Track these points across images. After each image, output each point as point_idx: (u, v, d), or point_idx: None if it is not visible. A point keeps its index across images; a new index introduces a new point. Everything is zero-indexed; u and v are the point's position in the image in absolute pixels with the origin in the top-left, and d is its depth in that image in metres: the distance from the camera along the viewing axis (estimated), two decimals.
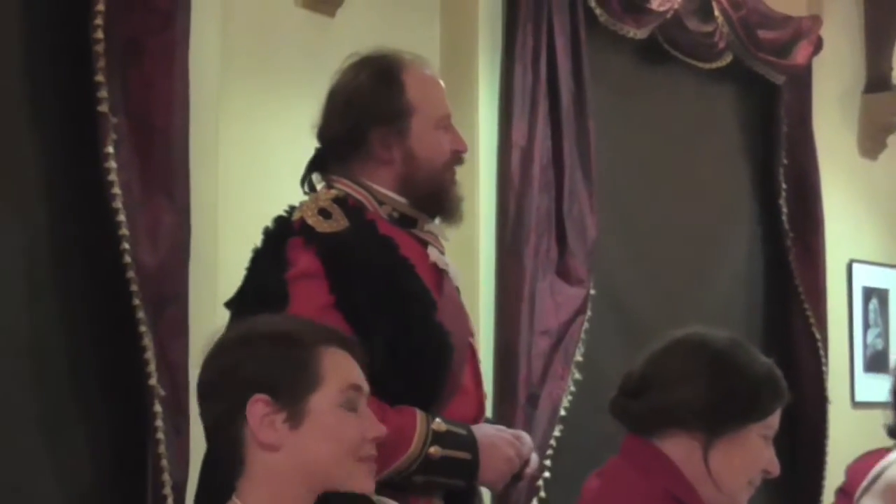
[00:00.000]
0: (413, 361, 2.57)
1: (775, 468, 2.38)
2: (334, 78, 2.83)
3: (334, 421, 1.98)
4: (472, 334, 2.85)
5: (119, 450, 3.14)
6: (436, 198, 2.75)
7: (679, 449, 2.33)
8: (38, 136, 3.09)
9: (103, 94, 3.05)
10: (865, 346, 6.15)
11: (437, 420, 2.60)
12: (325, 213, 2.62)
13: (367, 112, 2.70)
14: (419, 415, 2.57)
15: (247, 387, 1.96)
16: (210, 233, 3.37)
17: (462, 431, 2.64)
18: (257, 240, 3.69)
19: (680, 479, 2.32)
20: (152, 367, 3.06)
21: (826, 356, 5.67)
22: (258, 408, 1.95)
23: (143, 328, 3.05)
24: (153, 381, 3.06)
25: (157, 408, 3.06)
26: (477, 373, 2.84)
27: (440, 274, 2.75)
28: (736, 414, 2.33)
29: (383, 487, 2.31)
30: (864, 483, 3.21)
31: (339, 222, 2.61)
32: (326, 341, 2.02)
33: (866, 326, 6.21)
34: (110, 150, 3.04)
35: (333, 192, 2.69)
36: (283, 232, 2.65)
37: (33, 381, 3.04)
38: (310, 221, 2.60)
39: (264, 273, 2.63)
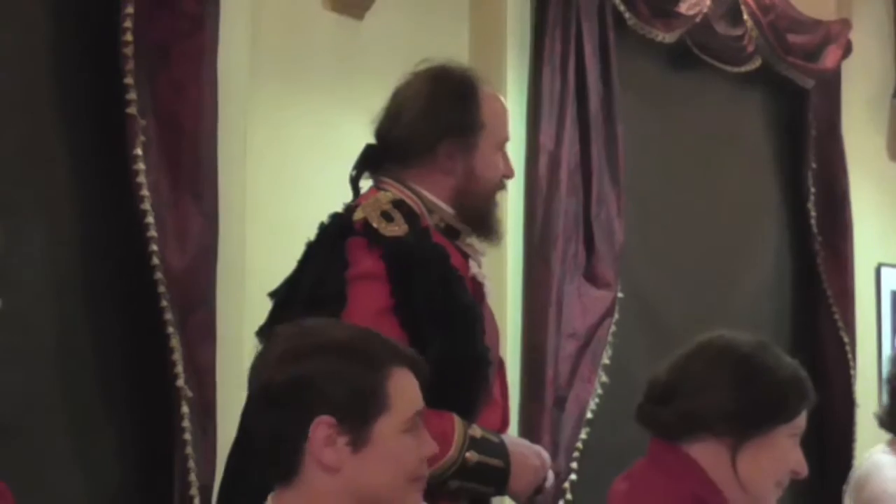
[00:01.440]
0: (459, 372, 2.59)
1: (803, 469, 2.37)
2: (404, 81, 2.87)
3: (397, 447, 1.97)
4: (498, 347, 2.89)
5: (146, 450, 3.13)
6: (483, 215, 2.81)
7: (707, 453, 2.32)
8: (68, 137, 3.09)
9: (132, 96, 3.05)
10: (894, 349, 6.11)
11: (473, 426, 2.64)
12: (387, 217, 2.64)
13: (442, 122, 2.73)
14: (457, 420, 2.60)
15: (317, 405, 1.93)
16: (238, 236, 3.37)
17: (495, 439, 2.68)
18: (285, 243, 3.70)
19: (707, 483, 2.31)
20: (180, 369, 3.05)
21: (854, 360, 5.64)
22: (322, 429, 1.93)
23: (170, 330, 3.04)
24: (181, 382, 3.05)
25: (185, 409, 3.05)
26: (504, 385, 2.89)
27: (478, 288, 2.79)
28: (764, 417, 2.32)
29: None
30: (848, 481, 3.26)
31: (401, 227, 2.63)
32: (397, 361, 2.00)
33: (895, 330, 6.17)
34: (139, 152, 3.04)
35: (390, 195, 2.70)
36: (342, 230, 2.65)
37: (62, 381, 3.04)
38: (374, 224, 2.62)
39: (322, 269, 2.63)
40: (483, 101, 2.79)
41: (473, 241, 2.84)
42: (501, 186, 2.87)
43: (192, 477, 3.05)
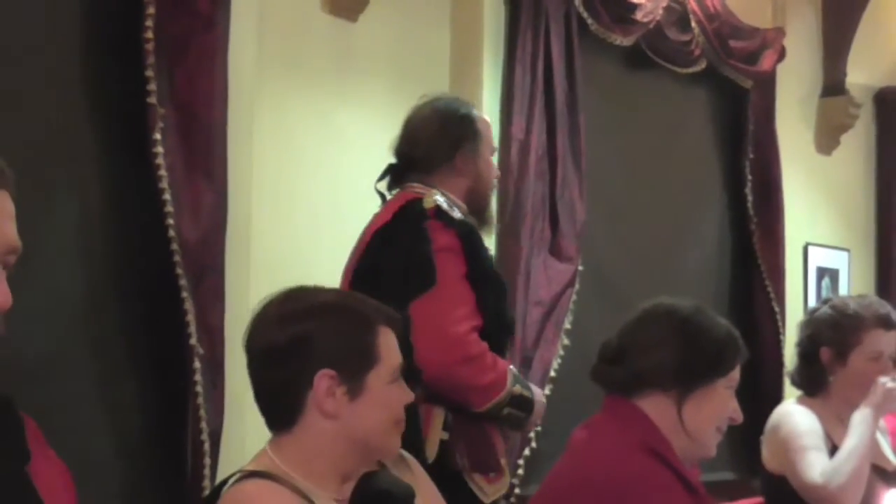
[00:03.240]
0: (494, 327, 2.94)
1: (739, 416, 2.40)
2: (412, 114, 3.22)
3: (385, 396, 1.99)
4: None
5: (163, 401, 3.12)
6: (485, 207, 3.16)
7: (655, 406, 2.33)
8: (95, 123, 3.07)
9: (152, 87, 3.03)
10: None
11: (513, 367, 3.04)
12: (449, 205, 2.97)
13: (456, 137, 3.09)
14: (509, 364, 3.00)
15: (316, 359, 1.94)
16: (244, 211, 3.35)
17: (521, 377, 3.07)
18: (287, 216, 3.71)
19: (655, 432, 2.32)
20: (192, 329, 3.04)
21: (784, 327, 5.64)
22: (325, 381, 1.94)
23: (184, 294, 3.03)
24: (193, 340, 3.05)
25: (196, 364, 3.04)
26: None
27: None
28: (704, 371, 2.34)
29: (477, 421, 2.89)
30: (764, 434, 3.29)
31: (458, 213, 2.97)
32: (381, 321, 2.01)
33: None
34: (158, 136, 3.03)
35: (435, 191, 3.00)
36: (420, 216, 2.93)
37: (89, 340, 3.03)
38: (443, 208, 2.93)
39: (410, 246, 2.91)
40: (476, 119, 3.16)
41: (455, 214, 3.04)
42: (494, 185, 3.22)
43: (203, 424, 3.05)
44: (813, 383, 3.26)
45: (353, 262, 3.12)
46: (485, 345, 2.90)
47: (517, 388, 2.97)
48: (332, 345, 1.94)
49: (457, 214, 2.96)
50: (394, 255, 2.93)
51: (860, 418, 3.10)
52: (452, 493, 2.54)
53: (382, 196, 3.18)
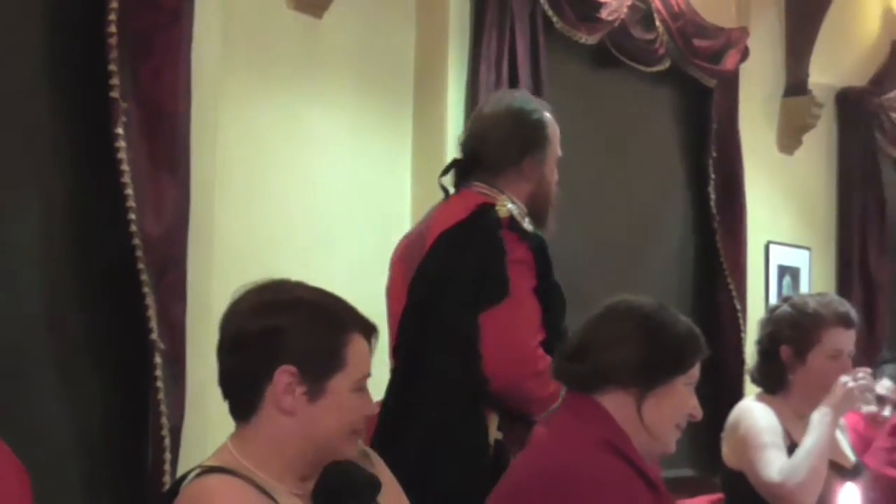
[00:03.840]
0: (557, 337, 2.84)
1: (699, 412, 2.40)
2: (487, 110, 3.16)
3: (345, 402, 1.97)
4: None
5: (124, 396, 3.11)
6: (545, 212, 3.10)
7: (615, 403, 2.33)
8: (59, 118, 3.06)
9: (115, 81, 3.01)
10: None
11: None
12: (521, 215, 2.97)
13: (526, 142, 3.05)
14: None
15: (281, 354, 1.92)
16: (208, 206, 3.34)
17: None
18: (250, 211, 3.71)
19: (616, 429, 2.32)
20: (154, 324, 3.03)
21: (745, 325, 5.67)
22: (285, 377, 1.93)
23: (146, 289, 3.02)
24: (154, 335, 3.03)
25: (158, 360, 3.03)
26: None
27: None
28: (664, 369, 2.34)
29: (518, 417, 2.82)
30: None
31: (529, 225, 2.97)
32: (355, 327, 1.99)
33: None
34: (120, 131, 3.01)
35: (505, 198, 2.98)
36: (494, 225, 2.89)
37: (52, 333, 3.02)
38: (517, 218, 2.93)
39: (487, 256, 2.87)
40: (548, 125, 3.11)
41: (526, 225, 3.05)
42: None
43: (164, 419, 3.03)
44: (773, 381, 3.27)
45: (412, 259, 3.02)
46: (549, 359, 2.83)
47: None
48: (300, 342, 1.93)
49: (527, 225, 2.96)
50: (466, 262, 2.88)
51: (819, 417, 3.11)
52: None
53: (445, 191, 3.13)
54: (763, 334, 3.33)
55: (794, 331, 3.24)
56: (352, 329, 1.98)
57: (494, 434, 2.89)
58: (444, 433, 2.82)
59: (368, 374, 2.01)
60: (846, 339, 3.25)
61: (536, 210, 3.09)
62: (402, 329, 2.96)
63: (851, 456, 3.32)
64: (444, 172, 3.14)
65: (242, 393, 1.96)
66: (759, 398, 3.28)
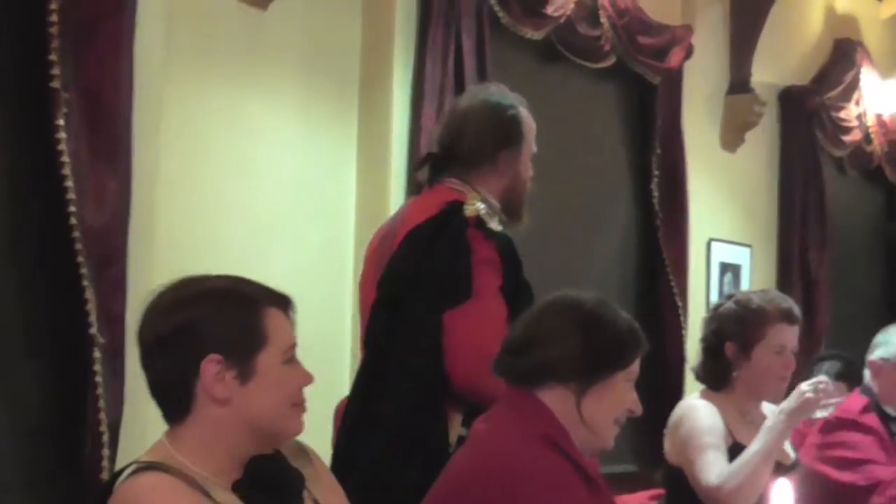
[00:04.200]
0: None
1: (638, 408, 2.42)
2: (463, 104, 3.14)
3: (277, 376, 1.96)
4: None
5: (63, 391, 3.08)
6: (519, 207, 3.13)
7: (555, 398, 2.35)
8: None
9: (56, 71, 2.98)
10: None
11: None
12: (488, 214, 2.97)
13: (502, 137, 3.05)
14: None
15: (202, 346, 1.91)
16: (149, 199, 3.32)
17: None
18: (193, 205, 3.68)
19: (555, 424, 2.34)
20: (93, 318, 3.00)
21: (686, 321, 5.71)
22: (212, 366, 1.91)
23: (85, 283, 2.99)
24: (94, 330, 3.01)
25: (97, 354, 3.01)
26: None
27: None
28: (604, 365, 2.36)
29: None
30: (667, 426, 3.31)
31: (497, 224, 2.99)
32: (268, 301, 1.98)
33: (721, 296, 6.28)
34: (61, 122, 2.99)
35: (477, 196, 2.98)
36: (461, 224, 2.90)
37: None
38: (484, 218, 2.94)
39: (452, 256, 2.87)
40: (522, 121, 3.11)
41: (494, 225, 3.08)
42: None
43: (102, 415, 3.02)
44: (717, 378, 3.29)
45: (383, 255, 3.00)
46: None
47: None
48: (216, 330, 1.92)
49: (496, 224, 2.98)
50: (432, 260, 2.88)
51: (772, 424, 3.12)
52: None
53: (419, 186, 3.16)
54: (708, 331, 3.35)
55: (738, 327, 3.26)
56: (264, 304, 1.97)
57: (458, 431, 2.88)
58: (405, 430, 2.82)
59: (294, 345, 2.00)
60: (790, 335, 3.28)
61: (510, 205, 3.11)
62: (370, 324, 2.95)
63: (791, 453, 3.36)
64: (419, 167, 3.17)
65: (174, 394, 1.95)
66: (704, 395, 3.30)
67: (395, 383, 2.83)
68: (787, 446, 3.35)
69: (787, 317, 3.27)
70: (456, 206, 2.94)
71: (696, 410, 3.23)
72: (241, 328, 1.94)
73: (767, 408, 3.38)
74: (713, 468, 3.10)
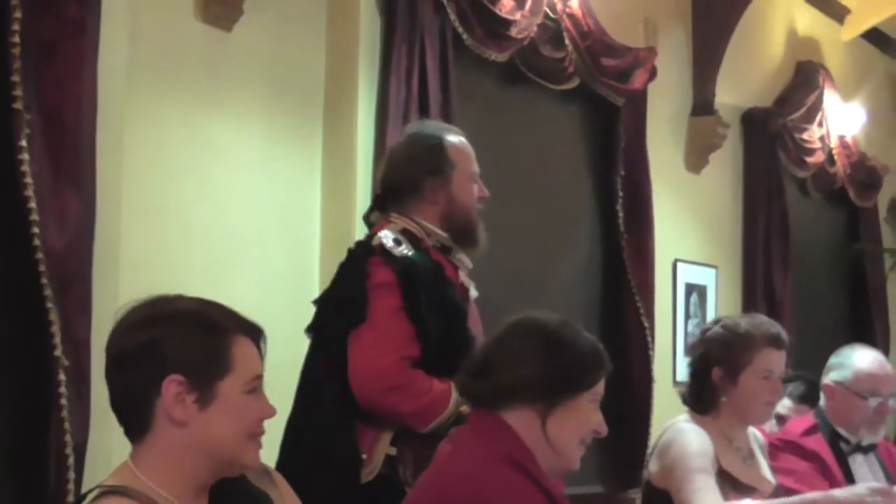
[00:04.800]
0: (450, 352, 3.01)
1: (603, 428, 2.42)
2: (394, 144, 3.39)
3: (238, 405, 1.96)
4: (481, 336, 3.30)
5: (26, 414, 3.06)
6: (466, 230, 3.26)
7: (520, 420, 2.35)
8: None
9: (18, 92, 2.99)
10: (686, 333, 6.26)
11: None
12: (397, 242, 3.09)
13: (422, 167, 3.21)
14: (454, 385, 2.98)
15: (165, 365, 1.91)
16: (113, 219, 3.32)
17: None
18: (157, 225, 3.68)
19: (519, 445, 2.34)
20: (57, 340, 3.00)
21: (653, 342, 5.75)
22: (173, 387, 1.92)
23: (49, 304, 2.99)
24: (58, 352, 3.00)
25: (62, 376, 3.00)
26: None
27: (465, 291, 3.26)
28: (568, 386, 2.36)
29: (428, 437, 2.93)
30: (650, 447, 3.28)
31: (406, 249, 3.08)
32: (238, 330, 1.99)
33: (687, 317, 6.32)
34: (23, 143, 2.99)
35: (399, 225, 3.16)
36: (365, 253, 3.10)
37: None
38: (388, 247, 3.06)
39: (351, 282, 3.08)
40: (449, 149, 3.24)
41: (462, 256, 3.28)
42: (478, 208, 3.31)
43: (68, 437, 3.01)
44: (704, 402, 3.27)
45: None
46: (414, 373, 3.02)
47: (465, 409, 2.98)
48: (181, 351, 1.92)
49: (403, 250, 3.08)
50: (338, 289, 3.14)
51: (812, 498, 3.15)
52: None
53: (370, 226, 3.31)
54: (695, 356, 3.32)
55: (725, 352, 3.24)
56: (234, 331, 1.98)
57: (386, 450, 3.04)
58: (317, 451, 2.99)
59: (259, 375, 2.01)
60: (778, 361, 3.26)
61: (456, 229, 3.24)
62: (307, 352, 3.17)
63: (772, 479, 3.34)
64: (369, 211, 3.34)
65: (133, 411, 1.95)
66: (692, 419, 3.26)
67: (312, 406, 3.06)
68: (768, 472, 3.35)
69: (775, 342, 3.25)
70: (367, 238, 3.16)
71: (687, 434, 3.19)
72: (206, 353, 1.94)
73: (752, 432, 3.39)
74: (708, 496, 3.05)
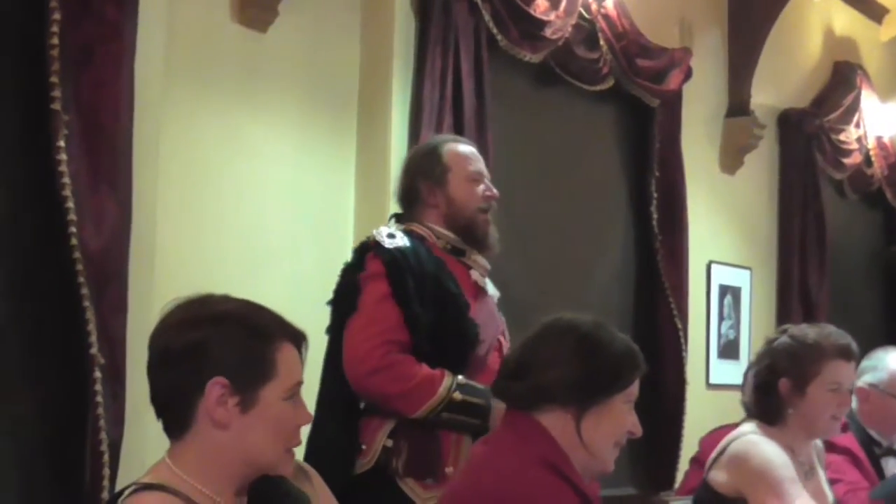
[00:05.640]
0: (448, 341, 3.17)
1: (638, 430, 2.42)
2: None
3: (278, 411, 1.98)
4: (502, 333, 3.42)
5: (63, 412, 3.09)
6: (470, 231, 3.36)
7: (554, 421, 2.36)
8: None
9: (57, 93, 3.01)
10: (720, 335, 6.25)
11: (461, 377, 3.16)
12: (391, 236, 3.23)
13: (417, 174, 3.38)
14: (447, 373, 3.14)
15: (210, 367, 1.93)
16: (149, 220, 3.35)
17: (480, 387, 3.17)
18: (192, 226, 3.73)
19: (554, 447, 2.35)
20: (94, 339, 3.02)
21: (686, 344, 5.73)
22: (216, 389, 1.93)
23: (86, 304, 3.01)
24: (94, 350, 3.03)
25: (97, 374, 3.03)
26: (502, 359, 3.23)
27: (478, 289, 3.35)
28: (602, 387, 2.37)
29: (424, 429, 3.11)
30: (713, 455, 3.24)
31: (400, 242, 3.22)
32: (283, 336, 2.00)
33: (721, 319, 6.30)
34: (62, 144, 3.01)
35: (403, 226, 3.34)
36: (364, 249, 3.24)
37: None
38: (379, 240, 3.21)
39: (348, 275, 3.24)
40: (443, 152, 3.38)
41: (476, 257, 3.38)
42: (484, 208, 3.38)
43: (103, 435, 3.03)
44: (771, 413, 3.21)
45: None
46: (400, 357, 3.10)
47: (458, 395, 3.13)
48: (227, 354, 1.94)
49: (396, 243, 3.21)
50: (337, 286, 3.28)
51: None
52: (388, 496, 3.08)
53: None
54: (761, 366, 3.25)
55: (793, 363, 3.18)
56: (280, 337, 2.00)
57: (382, 441, 3.14)
58: (311, 440, 3.10)
59: (300, 382, 2.03)
60: (847, 373, 3.20)
61: (461, 230, 3.35)
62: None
63: (830, 494, 3.30)
64: (392, 219, 3.47)
65: (175, 409, 1.97)
66: (760, 430, 3.20)
67: (321, 397, 3.17)
68: (826, 486, 3.31)
69: (844, 353, 3.19)
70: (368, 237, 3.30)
71: (763, 445, 3.13)
72: (252, 357, 1.96)
73: (815, 444, 3.34)
74: (804, 498, 3.02)
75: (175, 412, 1.97)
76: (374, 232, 3.27)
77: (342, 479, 3.00)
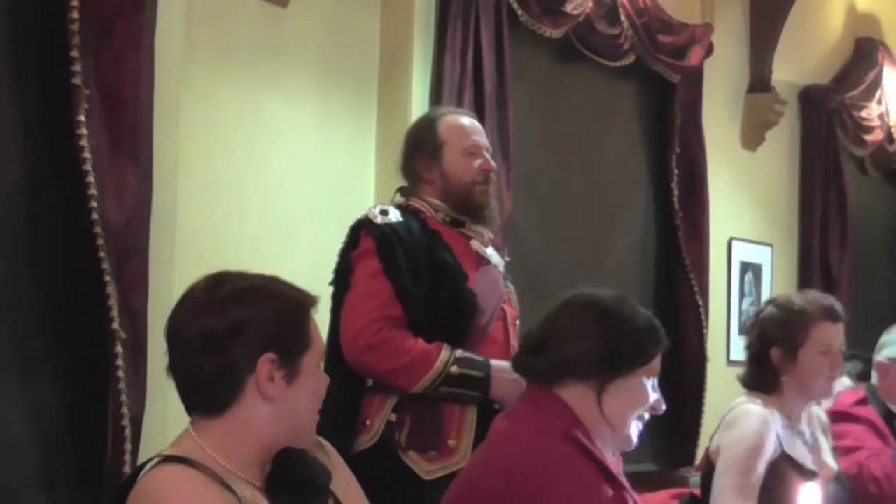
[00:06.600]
0: (445, 313, 3.15)
1: (661, 405, 2.41)
2: None
3: (315, 379, 2.02)
4: (506, 301, 3.38)
5: (85, 386, 3.10)
6: (467, 203, 3.32)
7: (576, 395, 2.35)
8: (17, 104, 3.04)
9: (77, 68, 3.01)
10: (741, 312, 6.23)
11: (459, 350, 3.15)
12: (384, 212, 3.22)
13: (412, 149, 3.38)
14: (445, 346, 3.13)
15: (258, 344, 1.94)
16: (170, 194, 3.34)
17: (479, 359, 3.16)
18: (213, 200, 3.72)
19: (575, 421, 2.33)
20: (115, 313, 3.02)
21: (707, 320, 5.71)
22: (267, 365, 1.94)
23: (107, 278, 3.01)
24: (115, 325, 3.02)
25: (119, 349, 3.03)
26: (506, 328, 3.33)
27: (479, 259, 3.31)
28: (624, 362, 2.36)
29: (428, 402, 3.10)
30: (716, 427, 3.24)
31: (392, 218, 3.20)
32: (310, 304, 2.03)
33: (742, 296, 6.28)
34: (82, 118, 3.01)
35: (396, 201, 3.33)
36: (357, 228, 3.24)
37: (8, 323, 2.99)
38: (371, 217, 3.21)
39: (343, 255, 3.25)
40: (439, 126, 3.35)
41: (478, 228, 3.35)
42: (480, 180, 3.33)
43: (125, 409, 3.03)
44: (766, 384, 3.21)
45: None
46: (394, 333, 3.10)
47: (455, 369, 3.11)
48: (271, 328, 1.95)
49: (388, 219, 3.19)
50: (339, 260, 3.28)
51: None
52: (391, 469, 3.06)
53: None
54: (752, 338, 3.27)
55: (782, 331, 3.19)
56: (308, 307, 2.02)
57: (388, 416, 3.14)
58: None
59: (326, 348, 2.08)
60: (835, 333, 3.21)
61: (459, 203, 3.32)
62: None
63: (834, 465, 3.29)
64: (397, 193, 3.43)
65: (220, 390, 1.95)
66: (758, 398, 3.19)
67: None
68: (830, 457, 3.30)
69: (830, 315, 3.20)
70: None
71: (750, 419, 3.12)
72: (293, 329, 1.98)
73: (817, 414, 3.34)
74: (734, 499, 3.01)
75: (219, 393, 1.95)
76: (368, 210, 3.28)
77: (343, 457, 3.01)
